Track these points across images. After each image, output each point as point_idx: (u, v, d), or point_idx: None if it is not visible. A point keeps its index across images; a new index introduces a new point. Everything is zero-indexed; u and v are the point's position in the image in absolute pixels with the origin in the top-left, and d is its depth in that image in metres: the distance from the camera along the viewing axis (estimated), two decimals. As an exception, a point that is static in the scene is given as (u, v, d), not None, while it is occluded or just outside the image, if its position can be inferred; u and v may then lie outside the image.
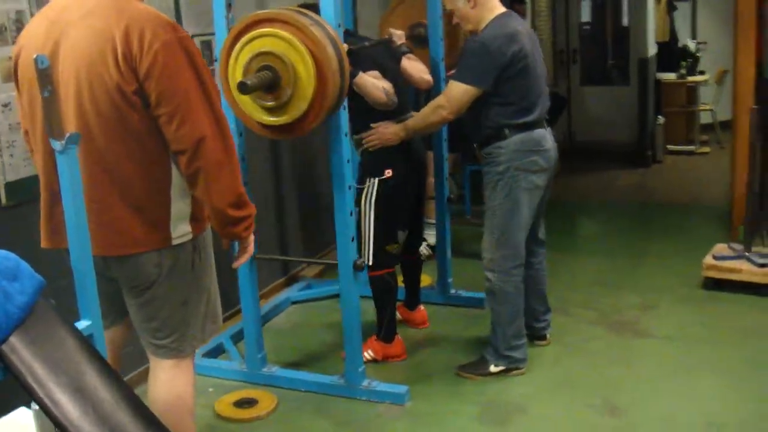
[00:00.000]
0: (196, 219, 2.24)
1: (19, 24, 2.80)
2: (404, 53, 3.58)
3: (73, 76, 2.06)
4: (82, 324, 2.00)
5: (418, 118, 3.38)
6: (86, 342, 1.72)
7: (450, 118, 3.32)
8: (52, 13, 2.13)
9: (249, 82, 2.64)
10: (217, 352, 3.70)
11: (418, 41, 3.92)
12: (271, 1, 4.26)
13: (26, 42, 2.14)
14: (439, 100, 3.32)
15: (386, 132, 3.37)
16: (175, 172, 2.15)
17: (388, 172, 3.40)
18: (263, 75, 2.71)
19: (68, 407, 1.51)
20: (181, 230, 2.19)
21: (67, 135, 1.85)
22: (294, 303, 4.40)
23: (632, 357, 3.55)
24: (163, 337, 2.29)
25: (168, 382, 2.34)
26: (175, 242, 2.18)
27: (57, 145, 1.84)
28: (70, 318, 1.76)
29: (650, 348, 3.63)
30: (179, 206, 2.18)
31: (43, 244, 2.25)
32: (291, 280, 4.69)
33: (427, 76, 3.64)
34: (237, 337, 3.75)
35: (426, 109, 3.36)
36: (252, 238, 2.35)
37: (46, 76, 1.80)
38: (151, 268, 2.19)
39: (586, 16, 8.46)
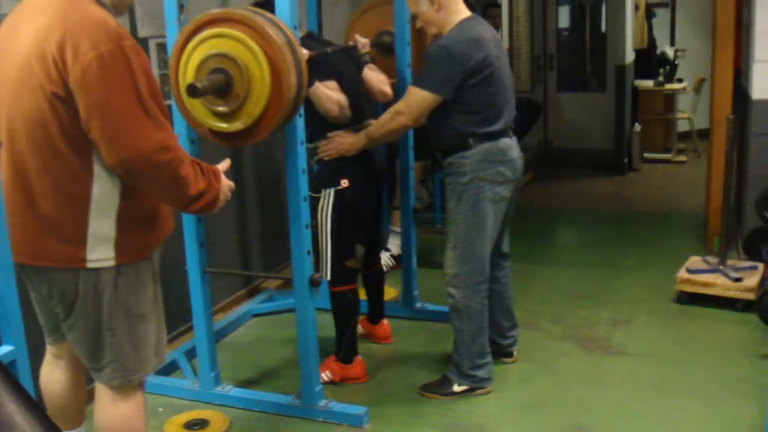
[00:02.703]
0: (122, 246, 2.04)
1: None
2: (366, 63, 3.42)
3: (11, 75, 1.95)
4: (3, 350, 1.85)
5: (377, 125, 3.21)
6: (6, 371, 1.56)
7: (410, 125, 3.17)
8: (20, 7, 2.04)
9: (199, 85, 2.45)
10: (169, 369, 3.52)
11: (384, 50, 3.76)
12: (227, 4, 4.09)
13: None
14: (398, 106, 3.15)
15: (344, 141, 3.20)
16: (96, 190, 1.99)
17: (345, 182, 3.22)
18: (215, 78, 2.53)
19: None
20: (100, 253, 2.02)
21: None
22: (255, 316, 4.23)
23: (603, 376, 3.40)
24: (95, 363, 2.13)
25: (110, 408, 2.18)
26: (91, 265, 2.01)
27: None
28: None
29: (622, 366, 3.49)
30: (99, 227, 2.01)
31: None
32: (253, 291, 4.52)
33: (387, 89, 3.47)
34: (191, 354, 3.57)
35: (385, 116, 3.19)
36: (222, 197, 2.19)
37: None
38: (67, 286, 2.03)
39: (564, 22, 8.34)
